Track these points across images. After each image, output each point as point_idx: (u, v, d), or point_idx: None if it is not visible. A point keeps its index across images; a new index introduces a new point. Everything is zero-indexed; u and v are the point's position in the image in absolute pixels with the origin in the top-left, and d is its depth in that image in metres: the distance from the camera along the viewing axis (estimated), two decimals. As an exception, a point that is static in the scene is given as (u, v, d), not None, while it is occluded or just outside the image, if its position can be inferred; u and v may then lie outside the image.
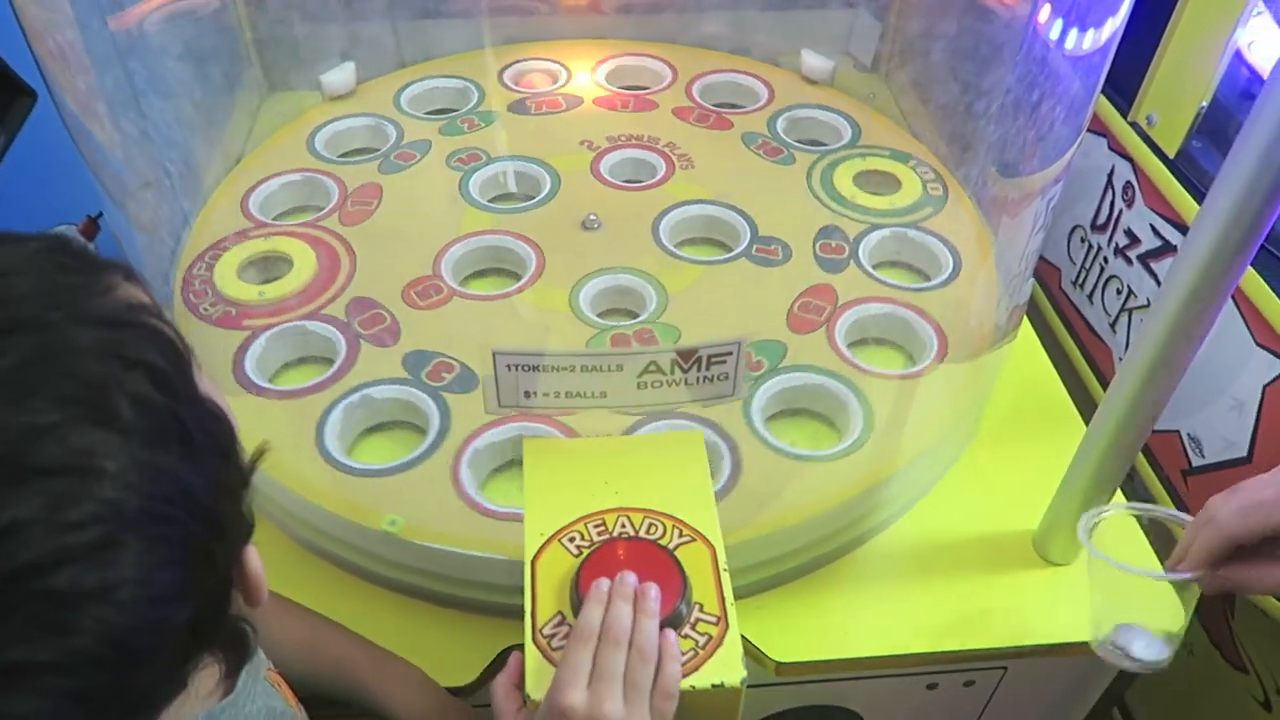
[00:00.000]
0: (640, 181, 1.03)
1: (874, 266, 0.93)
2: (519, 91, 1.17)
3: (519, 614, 0.70)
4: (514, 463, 0.77)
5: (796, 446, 0.77)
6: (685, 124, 1.11)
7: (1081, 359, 1.08)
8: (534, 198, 1.01)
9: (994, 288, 0.92)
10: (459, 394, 0.79)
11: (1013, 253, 0.89)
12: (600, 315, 0.88)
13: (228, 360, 0.83)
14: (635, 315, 0.87)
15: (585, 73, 1.19)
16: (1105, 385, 0.97)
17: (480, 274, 0.95)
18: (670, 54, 1.22)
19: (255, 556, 0.44)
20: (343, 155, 1.09)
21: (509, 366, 0.59)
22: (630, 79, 1.20)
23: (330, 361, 0.84)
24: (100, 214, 1.12)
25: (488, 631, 0.73)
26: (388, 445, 0.80)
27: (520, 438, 0.76)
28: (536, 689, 0.50)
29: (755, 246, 0.94)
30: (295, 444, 0.77)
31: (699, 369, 0.60)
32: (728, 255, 0.93)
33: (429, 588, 0.75)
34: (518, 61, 1.21)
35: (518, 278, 0.91)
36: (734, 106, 1.16)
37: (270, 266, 0.94)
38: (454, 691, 0.71)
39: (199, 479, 0.38)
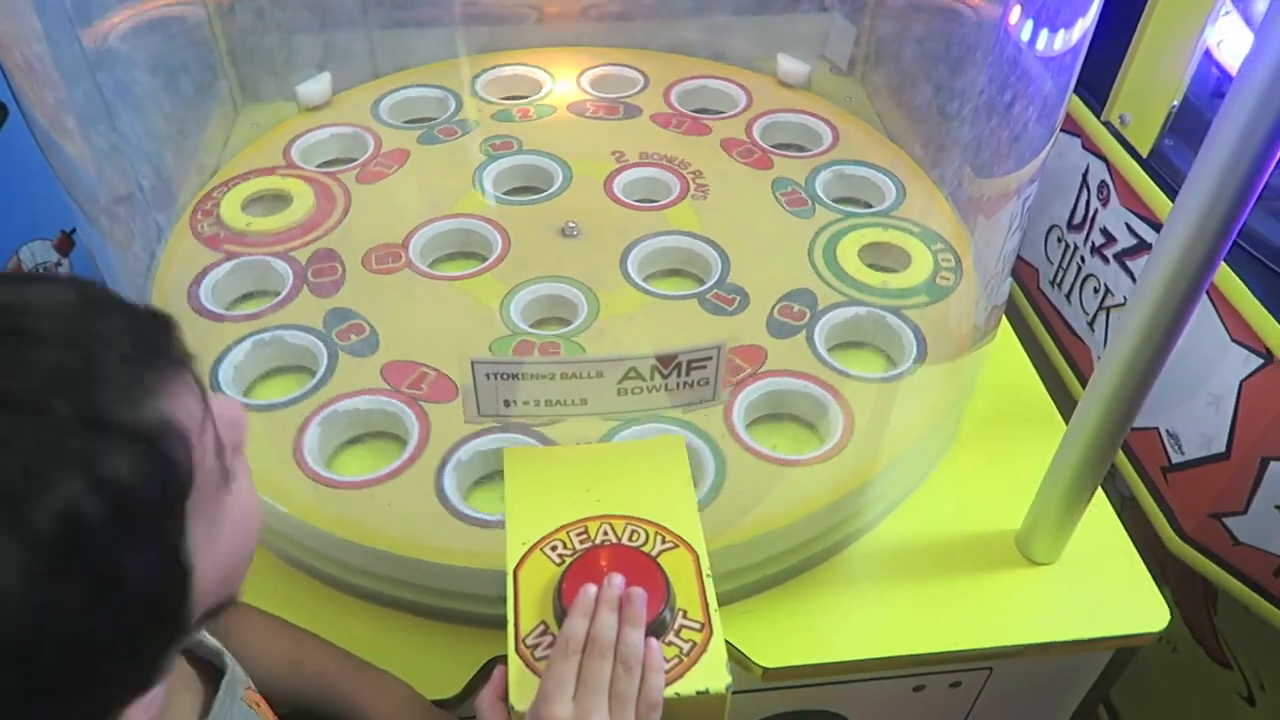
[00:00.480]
0: (646, 200, 1.02)
1: (829, 349, 0.87)
2: (497, 103, 1.17)
3: (503, 624, 0.70)
4: (497, 473, 0.77)
5: (778, 451, 0.77)
6: (677, 135, 1.10)
7: (1061, 358, 1.08)
8: (541, 192, 1.02)
9: (972, 289, 0.93)
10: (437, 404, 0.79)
11: (990, 253, 0.90)
12: (532, 324, 0.88)
13: (204, 369, 0.83)
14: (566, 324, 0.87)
15: (566, 81, 1.19)
16: (1085, 384, 0.98)
17: (450, 256, 0.96)
18: (647, 61, 1.22)
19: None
20: (319, 165, 1.08)
21: (488, 375, 0.59)
22: (611, 88, 1.19)
23: (309, 372, 0.84)
24: (75, 229, 1.11)
25: (472, 643, 0.72)
26: (367, 456, 0.80)
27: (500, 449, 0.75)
28: (520, 699, 0.50)
29: (714, 292, 0.90)
30: (274, 456, 0.76)
31: (679, 374, 0.60)
32: (680, 294, 0.91)
33: (412, 599, 0.75)
34: (494, 69, 1.21)
35: (483, 261, 0.93)
36: (713, 112, 1.16)
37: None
38: (439, 704, 0.70)
39: (104, 628, 0.33)
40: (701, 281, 0.92)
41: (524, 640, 0.53)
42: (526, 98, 1.17)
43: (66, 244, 1.10)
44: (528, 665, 0.51)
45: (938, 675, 0.81)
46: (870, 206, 1.02)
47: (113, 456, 0.33)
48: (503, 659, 0.67)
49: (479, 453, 0.74)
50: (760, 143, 1.10)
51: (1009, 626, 0.76)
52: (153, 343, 0.37)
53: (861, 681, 0.79)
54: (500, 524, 0.69)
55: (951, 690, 0.82)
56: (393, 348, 0.83)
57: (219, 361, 0.84)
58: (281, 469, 0.75)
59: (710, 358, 0.60)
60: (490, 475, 0.77)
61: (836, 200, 1.02)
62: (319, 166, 1.07)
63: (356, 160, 1.07)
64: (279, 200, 1.00)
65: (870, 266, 0.95)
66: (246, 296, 0.94)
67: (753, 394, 0.79)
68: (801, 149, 1.10)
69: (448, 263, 0.96)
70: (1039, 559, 0.79)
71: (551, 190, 1.01)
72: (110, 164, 0.91)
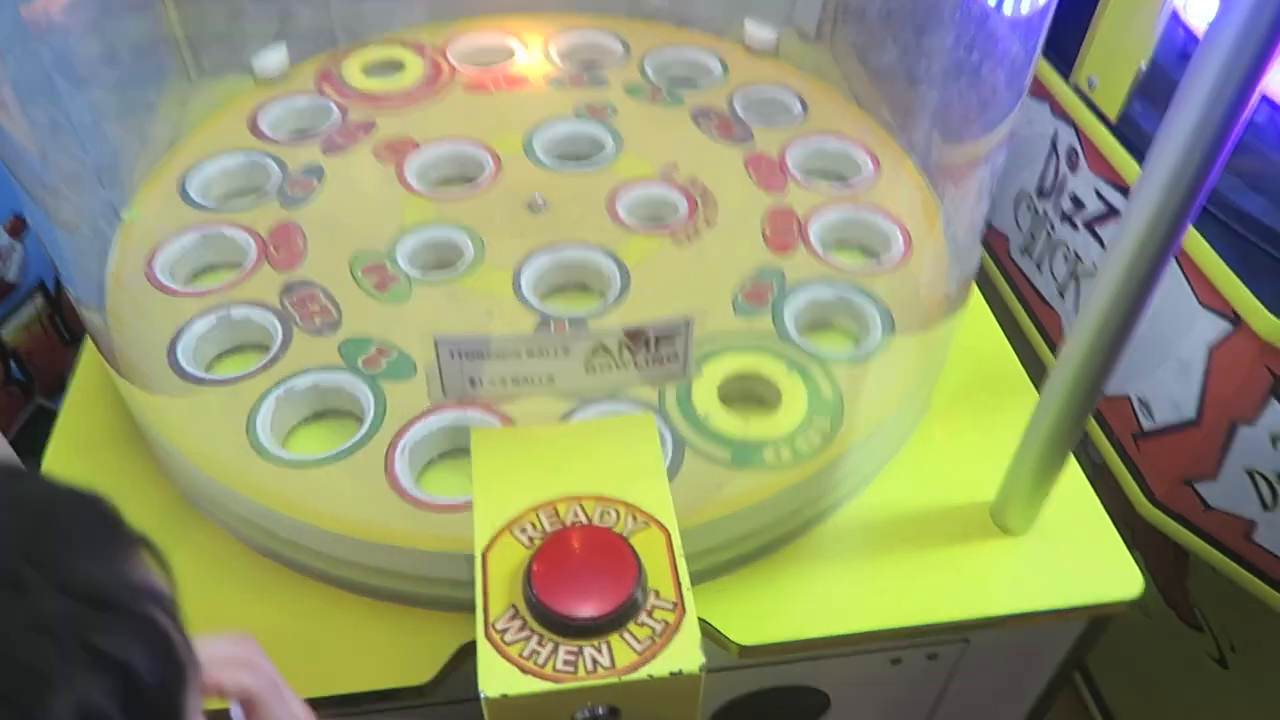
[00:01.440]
0: (588, 159, 1.01)
1: (797, 326, 0.86)
2: (460, 68, 1.14)
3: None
4: (454, 452, 0.76)
5: (745, 430, 0.76)
6: (636, 101, 1.09)
7: (1032, 327, 1.08)
8: (473, 179, 0.98)
9: (943, 258, 0.92)
10: (396, 381, 0.77)
11: (960, 221, 0.89)
12: (546, 295, 0.86)
13: (160, 350, 0.81)
14: (589, 290, 0.86)
15: (529, 49, 1.17)
16: (1056, 352, 0.98)
17: (427, 264, 0.91)
18: (615, 27, 1.20)
19: None
20: (287, 136, 1.05)
21: (452, 354, 0.58)
22: (581, 54, 1.17)
23: (265, 349, 0.82)
24: (24, 211, 1.07)
25: (447, 627, 0.71)
26: (324, 435, 0.78)
27: (455, 428, 0.74)
28: (491, 685, 0.49)
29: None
30: (230, 436, 0.74)
31: (647, 350, 0.59)
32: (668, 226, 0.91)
33: (379, 585, 0.73)
34: (458, 36, 1.18)
35: (460, 266, 0.89)
36: (686, 81, 1.14)
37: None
38: (415, 690, 0.69)
39: None
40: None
41: (494, 625, 0.51)
42: (495, 64, 1.14)
43: (19, 226, 1.07)
44: (498, 650, 0.50)
45: (915, 649, 0.81)
46: (842, 178, 1.01)
47: (107, 632, 0.30)
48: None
49: (433, 432, 0.73)
50: (731, 112, 1.08)
51: (985, 598, 0.76)
52: (103, 516, 0.35)
53: (839, 656, 0.79)
54: (459, 506, 0.68)
55: (929, 662, 0.82)
56: (354, 326, 0.82)
57: (176, 338, 0.82)
58: (241, 449, 0.74)
59: (678, 333, 0.58)
60: (447, 454, 0.76)
61: (806, 173, 1.00)
62: (287, 137, 1.05)
63: (320, 129, 1.05)
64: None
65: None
66: (207, 270, 0.92)
67: (718, 371, 0.78)
68: (771, 119, 1.08)
69: (425, 270, 0.91)
70: (1013, 529, 0.79)
71: (488, 173, 0.98)
72: (55, 143, 0.88)
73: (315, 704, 0.66)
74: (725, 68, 1.15)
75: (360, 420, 0.77)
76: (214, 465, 0.74)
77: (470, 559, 0.67)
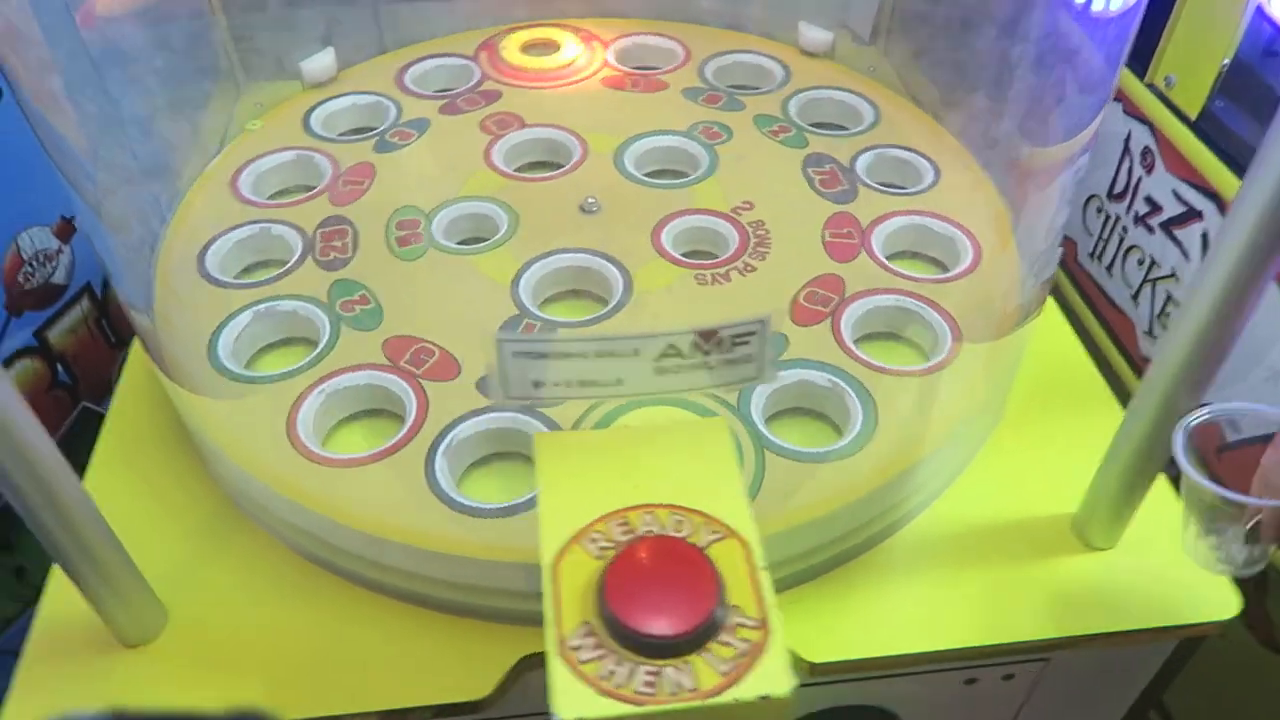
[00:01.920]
0: (661, 175, 0.98)
1: (857, 339, 0.83)
2: (511, 74, 1.12)
3: (535, 621, 0.66)
4: (496, 456, 0.74)
5: (803, 444, 0.73)
6: (699, 106, 1.06)
7: (1102, 332, 1.04)
8: (556, 167, 0.98)
9: (1015, 267, 0.88)
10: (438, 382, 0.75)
11: (1036, 229, 0.85)
12: (545, 301, 0.86)
13: (202, 348, 0.79)
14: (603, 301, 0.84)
15: (587, 51, 1.15)
16: (1128, 358, 0.93)
17: (471, 240, 0.91)
18: (671, 31, 1.18)
19: None
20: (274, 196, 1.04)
21: (516, 354, 0.55)
22: (636, 58, 1.15)
23: (312, 344, 0.80)
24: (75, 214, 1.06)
25: (503, 639, 0.69)
26: (365, 435, 0.77)
27: (498, 430, 0.72)
28: (566, 708, 0.46)
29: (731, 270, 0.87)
30: (273, 436, 0.73)
31: (721, 351, 0.55)
32: (706, 264, 0.87)
33: (432, 594, 0.71)
34: (508, 33, 1.16)
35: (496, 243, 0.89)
36: (745, 87, 1.11)
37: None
38: (472, 705, 0.67)
39: None
40: (715, 258, 0.88)
41: (567, 643, 0.48)
42: (546, 70, 1.12)
43: (67, 230, 1.06)
44: (573, 669, 0.47)
45: (991, 668, 0.77)
46: (904, 187, 0.97)
47: None
48: (537, 656, 0.63)
49: (476, 434, 0.71)
50: (792, 118, 1.05)
51: (1067, 616, 0.72)
52: None
53: (911, 675, 0.75)
54: (507, 511, 0.66)
55: (1005, 683, 0.78)
56: (398, 323, 0.81)
57: (218, 334, 0.81)
58: (283, 450, 0.72)
59: (754, 332, 0.55)
60: (489, 458, 0.74)
61: (871, 180, 0.97)
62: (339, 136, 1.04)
63: (374, 130, 1.03)
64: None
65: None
66: (255, 267, 0.90)
67: (773, 386, 0.75)
68: (835, 126, 1.05)
69: (462, 241, 0.92)
70: (1098, 545, 0.75)
71: (568, 166, 0.97)
72: (107, 145, 0.86)
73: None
74: (787, 71, 1.12)
75: (402, 420, 0.75)
76: (259, 467, 0.72)
77: (523, 568, 0.65)
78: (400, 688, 0.68)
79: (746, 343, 0.55)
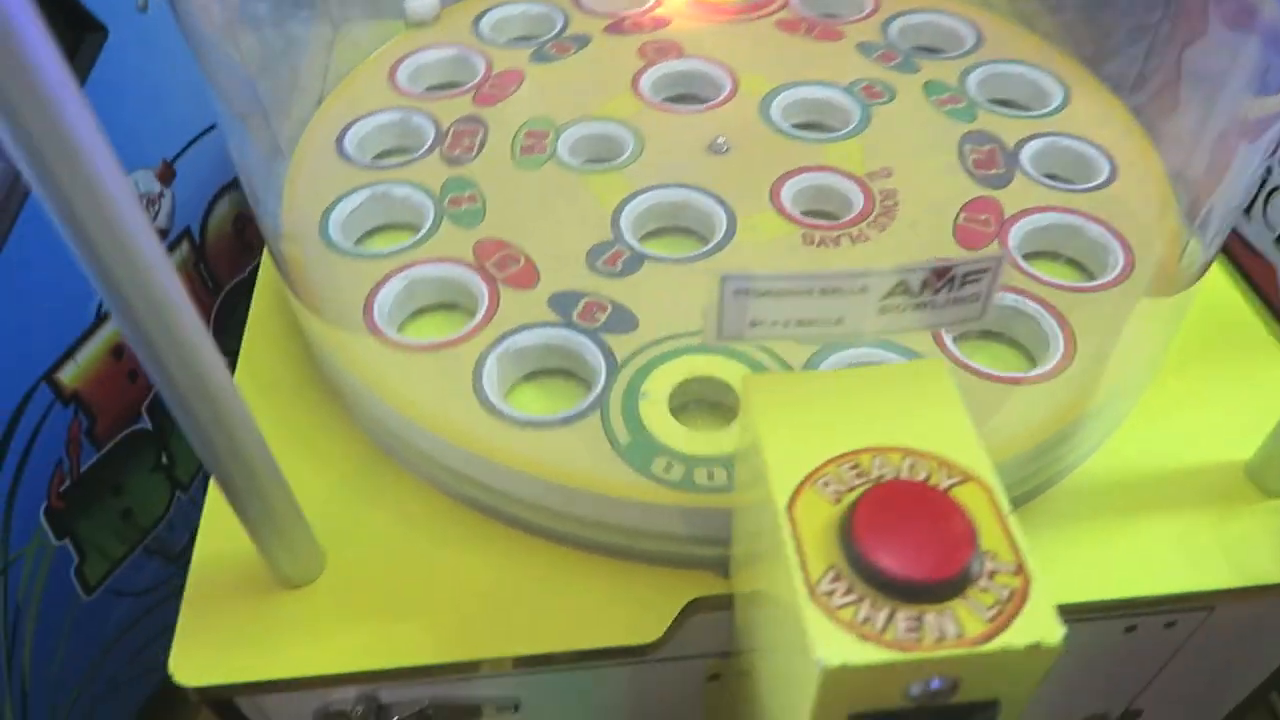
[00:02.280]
0: (808, 127, 0.93)
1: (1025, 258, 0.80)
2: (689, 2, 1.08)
3: (699, 564, 0.64)
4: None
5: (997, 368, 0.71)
6: (869, 62, 0.99)
7: (1239, 277, 1.01)
8: (704, 102, 0.96)
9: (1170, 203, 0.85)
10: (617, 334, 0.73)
11: (1224, 186, 0.80)
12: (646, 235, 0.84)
13: (357, 305, 0.77)
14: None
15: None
16: (1270, 304, 0.90)
17: (593, 160, 0.90)
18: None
19: None
20: (429, 89, 1.01)
21: (737, 292, 0.52)
22: (822, 5, 1.08)
23: (466, 309, 0.78)
24: (176, 157, 1.04)
25: (667, 584, 0.68)
26: (539, 392, 0.75)
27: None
28: (829, 654, 0.44)
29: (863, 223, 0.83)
30: (450, 395, 0.71)
31: (950, 289, 0.53)
32: (827, 224, 0.83)
33: (597, 538, 0.69)
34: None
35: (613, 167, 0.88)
36: (929, 49, 1.03)
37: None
38: (640, 649, 0.66)
39: None
40: (834, 220, 0.84)
41: (817, 588, 0.47)
42: (723, 3, 1.08)
43: (168, 174, 1.04)
44: (828, 615, 0.45)
45: (1153, 616, 0.75)
46: (1071, 182, 0.88)
47: None
48: (702, 600, 0.62)
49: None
50: (967, 90, 0.96)
51: (1244, 565, 0.70)
52: None
53: (1071, 623, 0.74)
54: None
55: (1165, 630, 0.77)
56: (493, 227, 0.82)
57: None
58: (463, 404, 0.70)
59: (987, 269, 0.53)
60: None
61: (1035, 170, 0.88)
62: (429, 90, 1.00)
63: (468, 83, 0.99)
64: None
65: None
66: (380, 229, 0.87)
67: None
68: (1018, 105, 0.96)
69: (586, 161, 0.90)
70: (1276, 490, 0.73)
71: (713, 102, 0.95)
72: (234, 84, 0.84)
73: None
74: (979, 38, 1.02)
75: (576, 377, 0.73)
76: (428, 417, 0.70)
77: (688, 511, 0.64)
78: (569, 631, 0.67)
79: (978, 280, 0.53)
